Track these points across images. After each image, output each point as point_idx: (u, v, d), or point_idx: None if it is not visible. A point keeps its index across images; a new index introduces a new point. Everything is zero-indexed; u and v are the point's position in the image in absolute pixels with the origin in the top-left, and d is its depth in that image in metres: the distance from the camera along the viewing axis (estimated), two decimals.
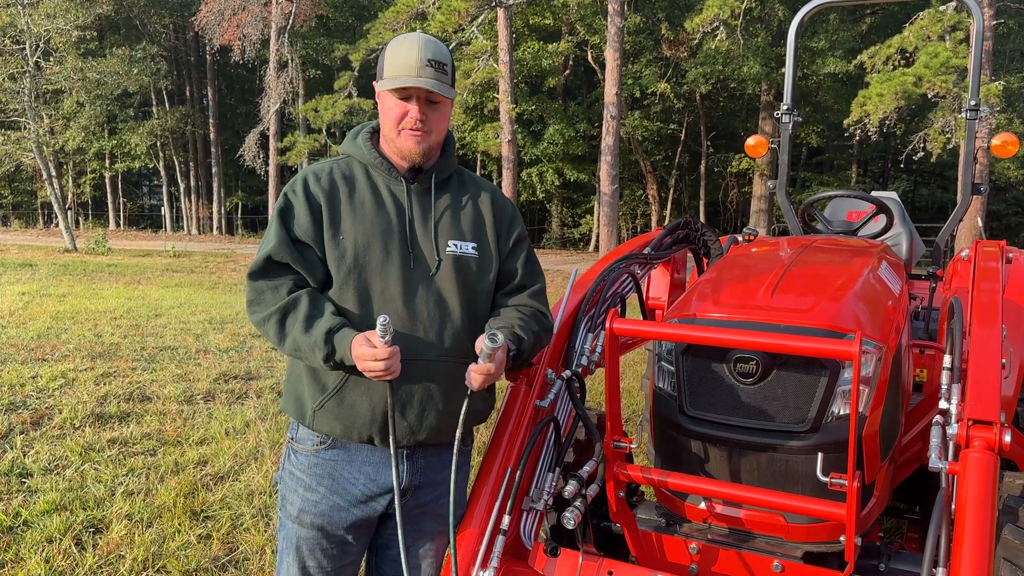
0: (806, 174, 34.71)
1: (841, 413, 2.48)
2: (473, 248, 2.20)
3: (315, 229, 2.08)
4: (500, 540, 2.26)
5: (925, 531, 3.44)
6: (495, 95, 24.25)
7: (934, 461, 2.05)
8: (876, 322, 2.67)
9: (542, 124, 31.95)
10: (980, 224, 17.21)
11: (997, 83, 15.29)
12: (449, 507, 2.14)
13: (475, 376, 2.04)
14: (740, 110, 34.63)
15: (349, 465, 2.15)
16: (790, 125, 5.04)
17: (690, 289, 3.03)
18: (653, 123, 31.73)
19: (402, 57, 2.05)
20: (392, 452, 2.03)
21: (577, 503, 2.31)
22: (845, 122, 18.28)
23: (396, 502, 2.03)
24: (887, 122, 17.52)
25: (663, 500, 2.88)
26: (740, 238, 4.59)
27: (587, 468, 2.38)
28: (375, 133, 2.23)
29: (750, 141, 5.07)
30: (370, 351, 1.91)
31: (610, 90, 20.94)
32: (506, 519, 2.29)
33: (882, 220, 4.12)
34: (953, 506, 2.05)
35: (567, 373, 2.62)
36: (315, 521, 2.16)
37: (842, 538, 2.30)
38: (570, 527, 2.25)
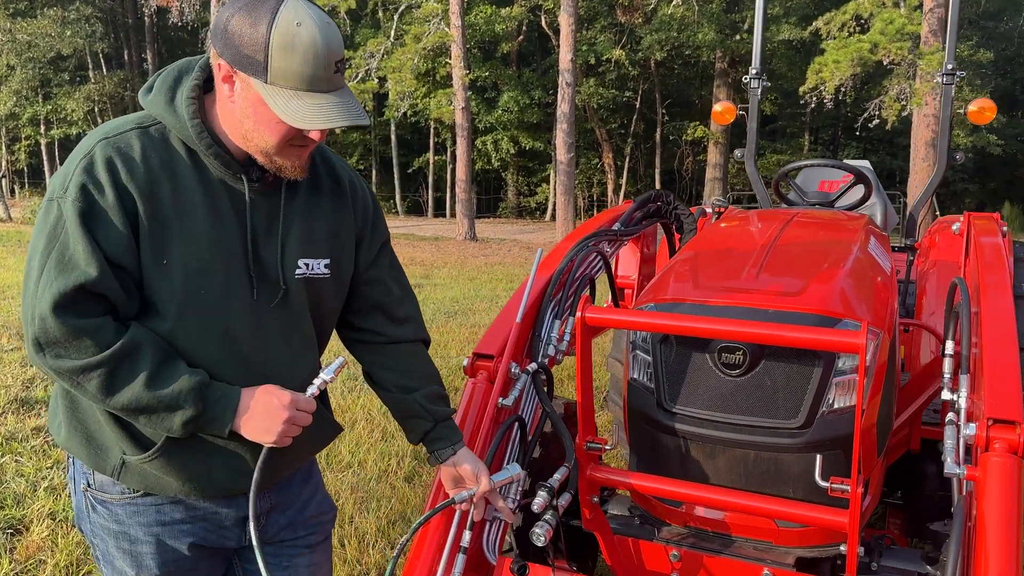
0: (760, 142, 34.78)
1: (836, 406, 2.25)
2: (326, 266, 1.72)
3: (131, 248, 1.49)
4: (460, 559, 1.99)
5: (908, 518, 3.28)
6: (447, 60, 23.65)
7: (950, 466, 1.82)
8: (871, 305, 2.43)
9: (496, 91, 31.40)
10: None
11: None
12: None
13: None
14: (695, 78, 34.46)
15: (179, 508, 1.71)
16: (759, 90, 4.79)
17: (665, 270, 2.76)
18: (608, 91, 31.40)
19: (307, 64, 1.45)
20: (251, 519, 1.59)
21: (548, 516, 2.04)
22: (801, 89, 18.19)
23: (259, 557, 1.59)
24: (842, 89, 17.47)
25: (640, 501, 2.63)
26: (708, 209, 4.34)
27: (558, 476, 2.12)
28: (200, 97, 1.57)
29: (717, 107, 4.81)
30: (297, 407, 1.59)
31: (565, 56, 20.53)
32: (467, 535, 2.01)
33: (859, 191, 3.91)
34: (971, 512, 1.82)
35: (533, 366, 2.34)
36: (162, 572, 1.73)
37: (842, 547, 2.07)
38: (540, 544, 1.99)
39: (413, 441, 1.91)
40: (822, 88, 17.61)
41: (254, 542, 1.57)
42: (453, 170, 31.06)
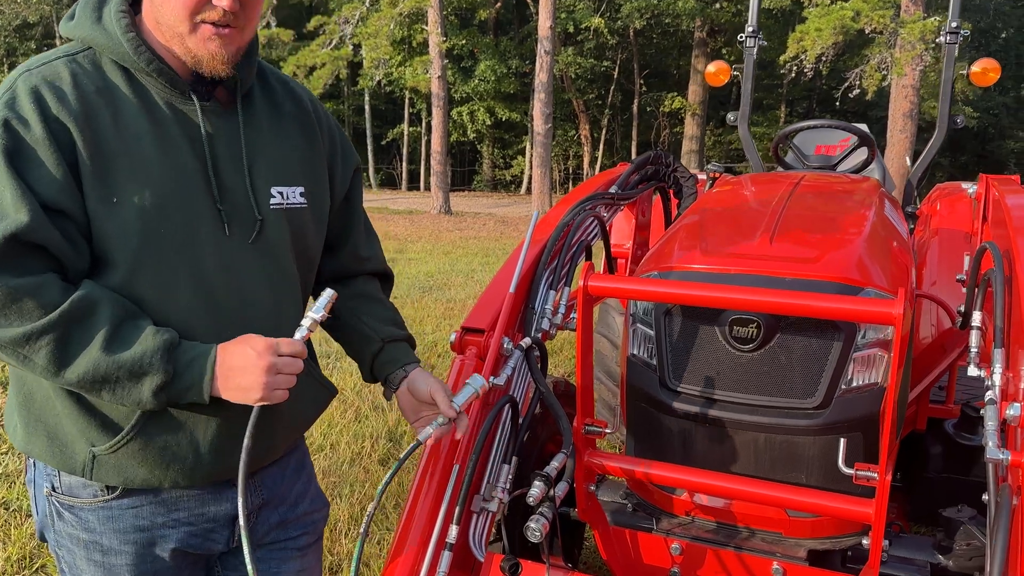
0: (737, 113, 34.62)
1: (856, 384, 2.06)
2: (301, 195, 1.55)
3: (70, 188, 1.29)
4: (446, 557, 1.78)
5: (912, 502, 3.12)
6: (423, 27, 23.13)
7: (992, 451, 1.64)
8: (891, 272, 2.24)
9: (473, 60, 30.85)
10: (909, 162, 17.30)
11: (932, 19, 15.12)
12: (316, 505, 1.73)
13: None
14: (673, 48, 34.13)
15: (160, 508, 1.49)
16: (755, 50, 4.57)
17: (667, 236, 2.54)
18: (587, 60, 30.98)
19: None
20: (240, 495, 1.36)
21: (544, 509, 1.83)
22: (781, 58, 17.95)
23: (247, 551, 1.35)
24: (823, 58, 17.28)
25: (636, 487, 2.44)
26: (702, 176, 4.13)
27: (555, 464, 1.91)
28: (130, 12, 1.39)
29: (711, 68, 4.58)
30: (278, 351, 1.35)
31: (544, 24, 20.11)
32: (453, 530, 1.80)
33: (863, 153, 3.71)
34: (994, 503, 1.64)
35: (526, 341, 2.12)
36: None
37: (864, 540, 1.89)
38: (536, 540, 1.78)
39: (365, 375, 1.70)
40: (803, 57, 17.40)
41: (243, 535, 1.34)
42: (428, 142, 30.60)
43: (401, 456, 1.55)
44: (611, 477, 2.80)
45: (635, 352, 2.33)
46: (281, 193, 1.50)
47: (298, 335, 1.42)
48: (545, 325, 2.25)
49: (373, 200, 25.67)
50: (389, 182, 36.32)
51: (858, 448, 2.05)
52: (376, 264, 1.78)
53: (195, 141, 1.40)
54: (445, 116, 22.30)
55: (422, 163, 33.97)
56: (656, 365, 2.23)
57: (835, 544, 2.14)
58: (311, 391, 1.59)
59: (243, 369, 1.33)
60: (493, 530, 2.19)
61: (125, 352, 1.29)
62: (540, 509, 1.84)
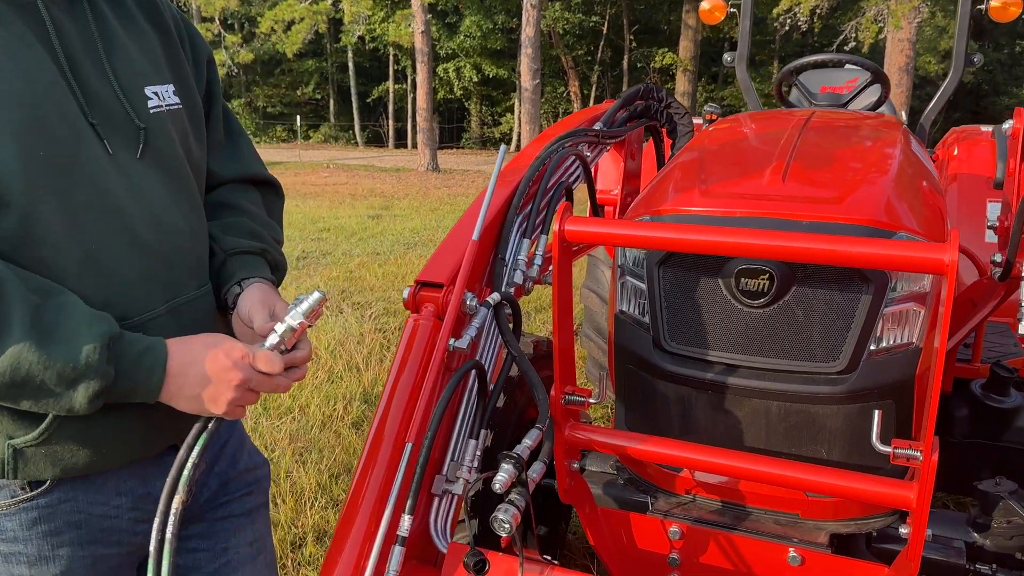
0: (729, 70, 34.06)
1: (886, 344, 1.75)
2: (174, 93, 1.30)
3: None
4: (397, 552, 1.47)
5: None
6: None
7: None
8: (924, 216, 1.92)
9: (458, 16, 30.08)
10: (904, 116, 16.96)
11: None
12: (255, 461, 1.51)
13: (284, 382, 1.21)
14: (663, 2, 33.38)
15: (96, 496, 1.24)
16: None
17: (660, 177, 2.20)
18: (575, 15, 30.26)
19: None
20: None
21: (514, 496, 1.52)
22: (775, 11, 17.47)
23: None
24: (817, 11, 16.81)
25: (629, 462, 2.13)
26: (698, 120, 3.77)
27: (528, 441, 1.59)
28: None
29: (704, 5, 4.19)
30: (255, 365, 1.15)
31: None
32: (406, 520, 1.49)
33: (876, 91, 3.36)
34: None
35: (494, 297, 1.79)
36: None
37: (902, 529, 1.58)
38: (504, 533, 1.47)
39: (218, 303, 1.38)
40: (796, 10, 16.92)
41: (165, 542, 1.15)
42: (414, 99, 29.91)
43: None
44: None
45: (624, 309, 2.00)
46: (157, 94, 1.24)
47: (269, 342, 1.17)
48: (518, 279, 1.92)
49: (359, 158, 25.15)
50: (376, 140, 35.63)
51: (889, 420, 1.74)
52: (245, 168, 1.48)
53: (44, 40, 1.12)
54: (430, 72, 21.72)
55: (409, 121, 33.32)
56: (649, 324, 1.91)
57: (861, 527, 1.85)
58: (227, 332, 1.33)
59: (207, 379, 1.13)
60: (461, 514, 1.88)
61: (52, 347, 1.02)
62: (510, 496, 1.53)
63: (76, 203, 1.11)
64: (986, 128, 3.88)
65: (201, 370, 1.13)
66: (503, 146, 1.86)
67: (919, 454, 1.45)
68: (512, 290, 1.91)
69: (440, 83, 31.21)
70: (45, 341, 1.02)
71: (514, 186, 1.98)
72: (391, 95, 33.71)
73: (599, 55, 33.20)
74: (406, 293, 1.78)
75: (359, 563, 1.48)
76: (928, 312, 1.76)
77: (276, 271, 1.43)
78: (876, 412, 1.50)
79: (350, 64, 33.19)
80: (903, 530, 1.56)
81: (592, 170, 2.38)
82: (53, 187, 1.09)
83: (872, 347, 1.73)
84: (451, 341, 1.70)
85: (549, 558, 1.65)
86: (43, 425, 1.13)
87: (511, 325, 1.86)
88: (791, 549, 1.81)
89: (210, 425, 1.19)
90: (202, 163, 1.38)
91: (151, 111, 1.23)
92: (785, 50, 34.47)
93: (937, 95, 4.03)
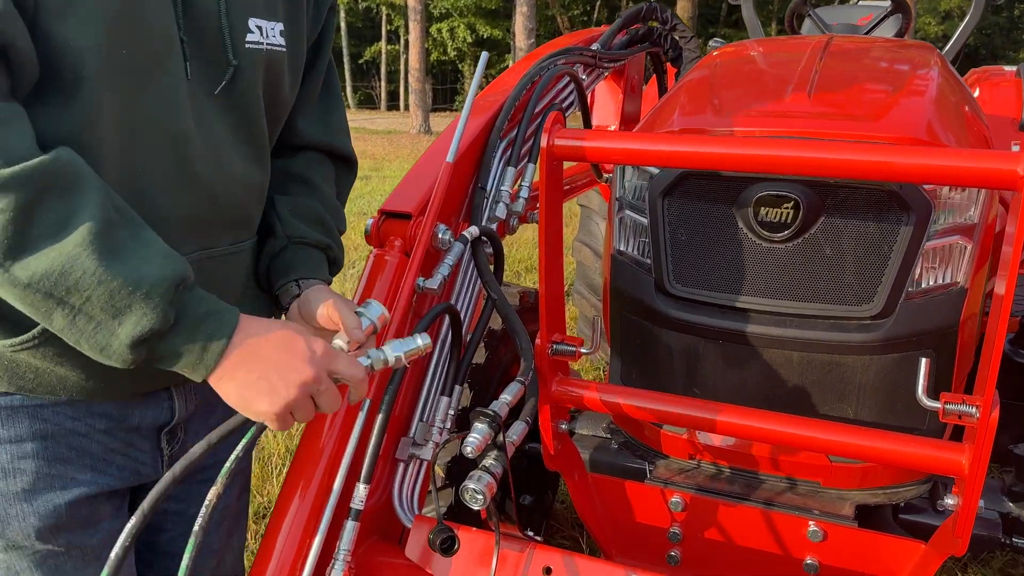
0: (726, 31, 33.54)
1: (926, 285, 1.50)
2: (281, 33, 1.15)
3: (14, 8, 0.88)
4: (350, 528, 1.23)
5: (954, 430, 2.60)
6: None
7: None
8: (968, 138, 1.66)
9: None
10: None
11: None
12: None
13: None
14: None
15: (66, 408, 1.08)
16: None
17: (665, 99, 1.93)
18: None
19: None
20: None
21: (490, 461, 1.27)
22: None
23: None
24: None
25: (624, 422, 1.89)
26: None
27: (507, 397, 1.34)
28: None
29: None
30: (332, 368, 0.98)
31: None
32: (360, 490, 1.25)
33: (896, 21, 3.08)
34: None
35: (472, 231, 1.53)
36: (41, 523, 1.10)
37: (948, 500, 1.34)
38: (476, 507, 1.22)
39: (262, 285, 1.27)
40: None
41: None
42: (407, 60, 29.39)
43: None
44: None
45: (622, 249, 1.75)
46: (260, 28, 1.10)
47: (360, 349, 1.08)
48: (500, 213, 1.66)
49: (351, 120, 24.55)
50: (368, 102, 35.06)
51: (928, 371, 1.50)
52: (331, 136, 1.33)
53: None
54: (423, 32, 21.24)
55: (401, 82, 32.77)
56: (651, 264, 1.66)
57: (891, 496, 1.62)
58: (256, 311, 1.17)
59: (274, 365, 0.94)
60: (431, 485, 1.64)
61: (114, 263, 0.87)
62: (485, 462, 1.28)
63: (139, 116, 0.99)
64: (1009, 68, 3.60)
65: (271, 353, 0.95)
66: (484, 53, 1.58)
67: (975, 410, 1.21)
68: (495, 226, 1.65)
69: (433, 44, 30.64)
70: (108, 254, 0.87)
71: (498, 106, 1.71)
72: (384, 56, 33.12)
73: (595, 15, 32.59)
74: (368, 225, 1.52)
75: (304, 541, 1.24)
76: (976, 247, 1.51)
77: (333, 267, 1.31)
78: (923, 360, 1.26)
79: (342, 24, 32.53)
80: (949, 501, 1.33)
81: (588, 98, 2.11)
82: (123, 91, 0.96)
83: (911, 288, 1.49)
84: (420, 280, 1.45)
85: (532, 534, 1.42)
86: (21, 338, 0.99)
87: (492, 267, 1.61)
88: (811, 522, 1.58)
89: (249, 433, 0.99)
90: (285, 114, 1.24)
91: (247, 46, 1.08)
92: (783, 11, 33.93)
93: (957, 33, 3.74)
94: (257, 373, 0.94)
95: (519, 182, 1.76)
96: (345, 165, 1.39)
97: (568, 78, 1.95)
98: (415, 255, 1.43)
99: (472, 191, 1.66)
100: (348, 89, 33.30)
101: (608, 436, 1.97)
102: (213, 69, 1.07)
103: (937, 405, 1.24)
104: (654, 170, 1.62)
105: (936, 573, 1.44)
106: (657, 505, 1.70)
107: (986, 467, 1.24)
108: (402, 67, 32.42)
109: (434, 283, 1.45)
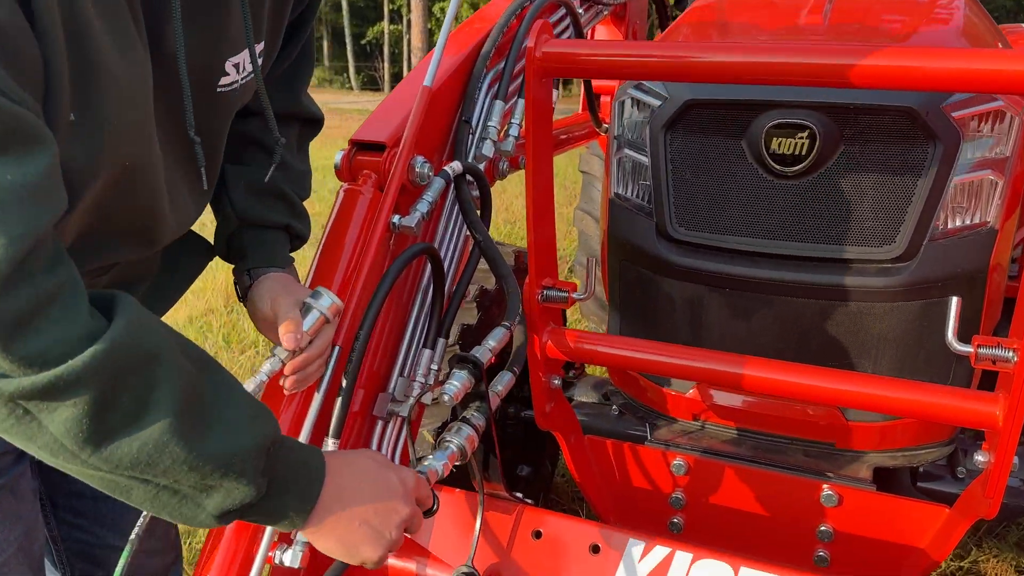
0: None
1: (955, 225, 1.37)
2: (259, 54, 1.08)
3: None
4: None
5: None
6: None
7: None
8: None
9: None
10: None
11: None
12: None
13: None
14: None
15: None
16: None
17: (671, 27, 1.78)
18: None
19: None
20: None
21: (472, 413, 1.15)
22: None
23: None
24: None
25: (623, 383, 1.76)
26: None
27: (491, 343, 1.21)
28: None
29: None
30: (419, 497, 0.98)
31: None
32: (329, 446, 1.13)
33: None
34: None
35: (455, 166, 1.39)
36: None
37: (979, 456, 1.21)
38: (440, 463, 1.09)
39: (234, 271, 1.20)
40: None
41: None
42: (410, 40, 29.12)
43: None
44: (589, 373, 2.13)
45: (620, 192, 1.61)
46: (237, 66, 1.02)
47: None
48: (487, 151, 1.52)
49: (354, 103, 24.48)
50: (371, 84, 34.79)
51: (959, 312, 1.37)
52: (293, 103, 1.26)
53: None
54: (425, 11, 21.07)
55: (405, 63, 32.49)
56: (653, 208, 1.52)
57: (911, 459, 1.49)
58: (189, 252, 1.19)
59: (376, 509, 0.91)
60: (409, 442, 1.51)
61: (203, 444, 0.78)
62: (466, 414, 1.16)
63: (113, 201, 0.91)
64: None
65: (366, 497, 0.91)
66: None
67: (1012, 354, 1.08)
68: (483, 165, 1.52)
69: (436, 23, 30.34)
70: (196, 434, 0.78)
71: (485, 32, 1.57)
72: (386, 36, 32.82)
73: None
74: (338, 158, 1.38)
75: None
76: (1008, 184, 1.37)
77: (297, 242, 1.27)
78: (953, 300, 1.12)
79: (344, 3, 32.25)
80: (979, 457, 1.20)
81: (587, 37, 1.97)
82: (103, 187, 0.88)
83: (936, 228, 1.35)
84: (396, 218, 1.31)
85: (521, 496, 1.29)
86: None
87: (479, 211, 1.48)
88: (825, 486, 1.45)
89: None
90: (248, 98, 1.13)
91: (218, 89, 1.00)
92: None
93: None
94: (358, 520, 0.90)
95: (509, 121, 1.62)
96: (311, 125, 1.33)
97: (563, 8, 1.80)
98: (389, 188, 1.29)
99: (456, 127, 1.52)
100: (351, 70, 33.09)
101: (605, 402, 1.85)
102: (181, 144, 1.00)
103: (969, 349, 1.11)
104: (655, 102, 1.48)
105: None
106: (659, 469, 1.58)
107: (1023, 419, 1.10)
108: (405, 47, 32.14)
109: (411, 220, 1.31)
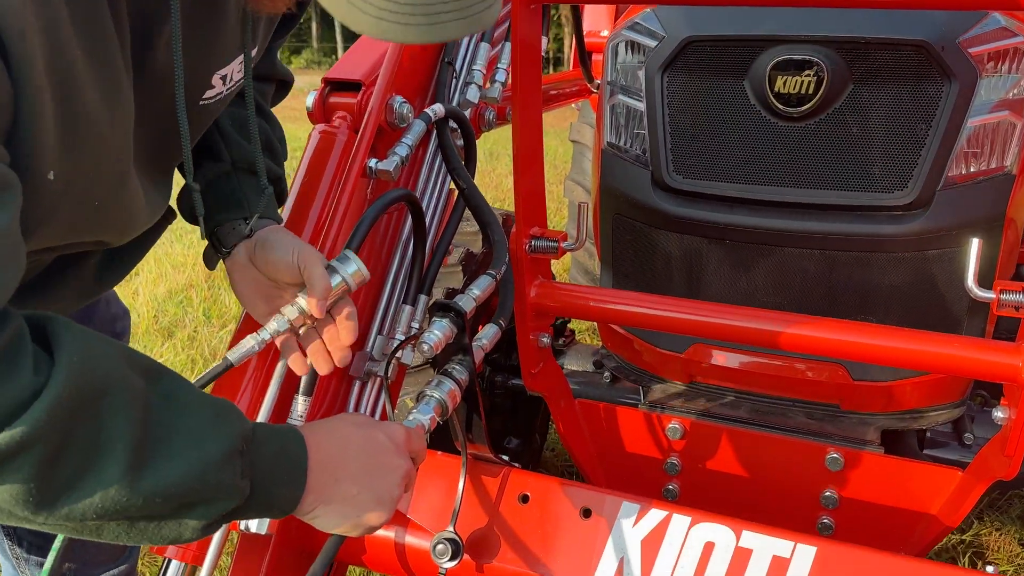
0: None
1: (970, 170, 1.29)
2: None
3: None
4: None
5: None
6: None
7: None
8: None
9: None
10: None
11: None
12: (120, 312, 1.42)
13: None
14: None
15: None
16: None
17: None
18: None
19: None
20: None
21: (455, 366, 1.06)
22: None
23: None
24: None
25: (615, 345, 1.68)
26: None
27: (476, 291, 1.13)
28: None
29: None
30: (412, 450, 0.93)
31: None
32: (300, 404, 1.05)
33: None
34: None
35: (436, 109, 1.30)
36: None
37: (997, 411, 1.13)
38: (427, 416, 1.01)
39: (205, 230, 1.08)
40: None
41: None
42: None
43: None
44: (580, 340, 2.05)
45: (613, 141, 1.52)
46: (224, 77, 0.97)
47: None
48: (472, 96, 1.42)
49: None
50: None
51: (979, 256, 1.29)
52: (271, 70, 1.20)
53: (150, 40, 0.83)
54: None
55: None
56: (648, 157, 1.43)
57: (920, 421, 1.41)
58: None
59: (371, 473, 0.86)
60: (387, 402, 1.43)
61: (167, 471, 0.72)
62: (450, 366, 1.07)
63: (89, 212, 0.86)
64: None
65: (358, 465, 0.86)
66: None
67: None
68: (468, 112, 1.43)
69: None
70: (158, 465, 0.72)
71: None
72: None
73: None
74: (310, 100, 1.29)
75: None
76: None
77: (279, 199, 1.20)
78: (974, 242, 1.04)
79: None
80: (999, 413, 1.12)
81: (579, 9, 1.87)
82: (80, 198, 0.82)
83: (951, 173, 1.27)
84: (372, 162, 1.22)
85: (506, 458, 1.21)
86: None
87: (464, 160, 1.38)
88: (830, 449, 1.37)
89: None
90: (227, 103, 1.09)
91: (201, 102, 0.95)
92: None
93: None
94: (355, 489, 0.85)
95: (496, 67, 1.53)
96: (283, 87, 1.27)
97: None
98: (365, 129, 1.20)
99: (439, 69, 1.42)
100: (340, 51, 32.72)
101: (599, 370, 1.77)
102: (160, 169, 0.97)
103: (990, 295, 1.03)
104: (651, 42, 1.39)
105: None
106: (653, 433, 1.50)
107: None
108: None
109: (389, 164, 1.22)
